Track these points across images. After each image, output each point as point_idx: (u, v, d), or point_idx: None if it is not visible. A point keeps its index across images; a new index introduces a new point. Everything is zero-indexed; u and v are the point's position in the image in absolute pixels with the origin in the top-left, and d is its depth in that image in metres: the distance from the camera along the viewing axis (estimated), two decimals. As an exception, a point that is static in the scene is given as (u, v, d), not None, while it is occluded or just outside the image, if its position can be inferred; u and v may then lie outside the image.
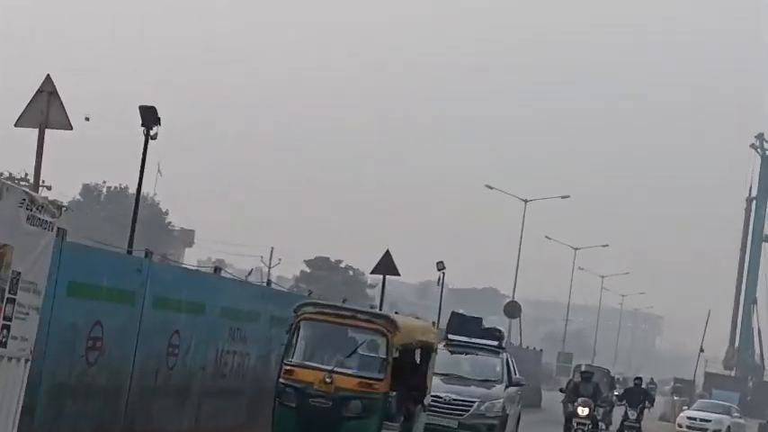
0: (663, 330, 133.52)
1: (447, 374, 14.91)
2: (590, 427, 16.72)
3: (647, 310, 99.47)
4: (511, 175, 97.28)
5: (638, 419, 19.36)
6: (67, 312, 8.57)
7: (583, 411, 16.73)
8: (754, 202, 59.68)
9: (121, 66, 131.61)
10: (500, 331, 17.61)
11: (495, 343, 16.48)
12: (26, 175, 33.31)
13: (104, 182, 58.45)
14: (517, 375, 16.62)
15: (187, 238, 65.49)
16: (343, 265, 63.75)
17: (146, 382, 10.34)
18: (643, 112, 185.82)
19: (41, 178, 13.31)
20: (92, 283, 9.12)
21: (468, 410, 14.47)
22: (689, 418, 33.24)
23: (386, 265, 21.35)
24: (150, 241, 24.39)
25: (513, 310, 40.32)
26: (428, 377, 10.42)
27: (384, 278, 22.70)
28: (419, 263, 43.43)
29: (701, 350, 54.74)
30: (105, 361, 9.33)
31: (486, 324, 18.49)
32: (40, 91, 11.35)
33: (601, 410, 18.18)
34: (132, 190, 29.38)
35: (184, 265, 19.38)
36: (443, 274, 27.37)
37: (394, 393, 9.22)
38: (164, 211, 59.32)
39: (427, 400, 10.22)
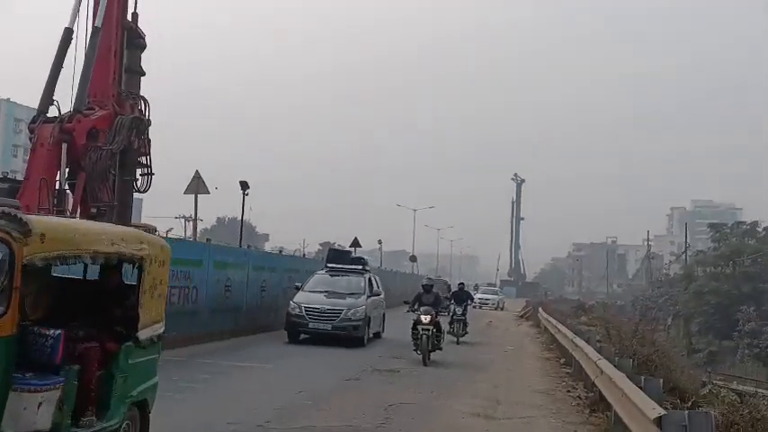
0: (478, 263, 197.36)
1: (326, 291, 19.85)
2: (434, 331, 16.83)
3: (467, 250, 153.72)
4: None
5: (464, 313, 22.93)
6: (214, 275, 18.18)
7: (425, 318, 16.86)
8: (514, 204, 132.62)
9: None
10: (363, 259, 22.99)
11: (360, 267, 21.60)
12: (189, 215, 56.78)
13: (226, 216, 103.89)
14: (378, 288, 21.80)
15: (264, 239, 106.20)
16: (336, 244, 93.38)
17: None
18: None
19: (199, 216, 25.43)
20: (223, 261, 19.10)
21: (339, 316, 18.89)
22: (479, 298, 52.77)
23: (355, 243, 38.81)
24: (246, 241, 32.23)
25: (413, 258, 68.52)
26: (141, 303, 6.51)
27: (355, 249, 36.65)
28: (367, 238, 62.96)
29: (497, 269, 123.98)
30: (233, 295, 19.29)
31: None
32: (194, 177, 21.82)
33: (443, 313, 19.52)
34: (239, 218, 48.15)
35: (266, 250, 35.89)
36: (381, 244, 63.18)
37: (56, 332, 5.34)
38: (254, 226, 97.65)
39: (146, 334, 6.58)
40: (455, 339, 22.10)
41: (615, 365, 10.57)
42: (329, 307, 19.02)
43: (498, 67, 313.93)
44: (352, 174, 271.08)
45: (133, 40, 18.71)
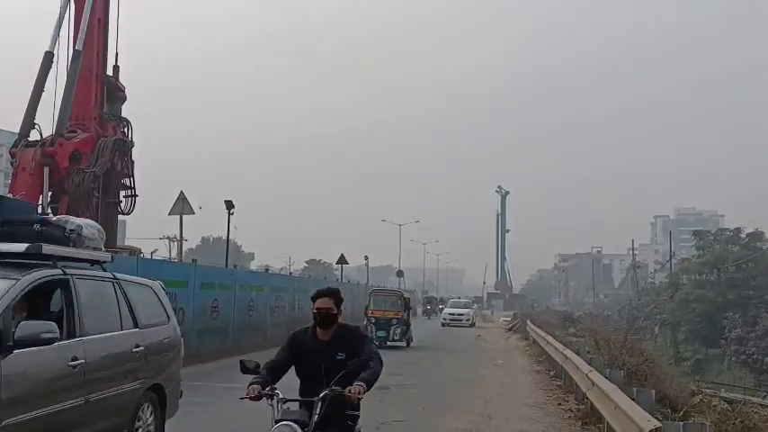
0: (465, 276, 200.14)
1: None
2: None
3: (454, 264, 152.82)
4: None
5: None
6: (201, 296, 18.11)
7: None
8: (500, 217, 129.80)
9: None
10: (61, 228, 6.91)
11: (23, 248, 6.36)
12: (174, 235, 55.64)
13: (211, 235, 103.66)
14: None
15: (250, 257, 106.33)
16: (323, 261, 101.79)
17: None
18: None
19: (184, 236, 25.36)
20: (210, 281, 18.76)
21: None
22: (449, 313, 44.89)
23: (341, 260, 40.32)
24: (232, 261, 31.42)
25: (400, 273, 66.23)
26: None
27: (342, 267, 39.48)
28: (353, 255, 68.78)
29: (484, 282, 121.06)
30: (219, 316, 19.04)
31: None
32: (179, 197, 20.38)
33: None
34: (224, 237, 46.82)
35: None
36: (367, 260, 57.75)
37: None
38: (239, 245, 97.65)
39: None
40: None
41: (606, 377, 10.53)
42: None
43: (481, 77, 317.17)
44: (337, 191, 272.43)
45: (114, 92, 18.92)
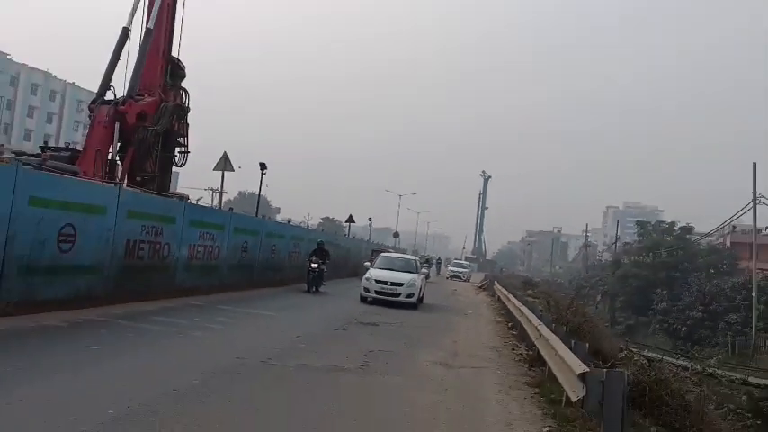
0: (449, 242, 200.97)
1: None
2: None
3: (439, 231, 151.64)
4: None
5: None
6: (234, 238, 15.59)
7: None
8: (481, 196, 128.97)
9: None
10: None
11: None
12: (216, 188, 49.59)
13: (247, 190, 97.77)
14: None
15: (277, 211, 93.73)
16: (335, 219, 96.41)
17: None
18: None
19: (225, 189, 25.17)
20: (242, 227, 14.77)
21: None
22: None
23: (350, 219, 38.04)
24: (261, 212, 29.31)
25: (396, 235, 67.09)
26: None
27: (349, 226, 37.57)
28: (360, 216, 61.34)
29: (464, 248, 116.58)
30: (248, 255, 17.88)
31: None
32: (222, 157, 20.93)
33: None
34: (257, 192, 38.56)
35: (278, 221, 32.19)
36: (371, 221, 51.40)
37: None
38: (269, 200, 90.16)
39: None
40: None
41: (552, 330, 10.76)
42: None
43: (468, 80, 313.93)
44: (349, 161, 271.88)
45: (176, 70, 18.79)
